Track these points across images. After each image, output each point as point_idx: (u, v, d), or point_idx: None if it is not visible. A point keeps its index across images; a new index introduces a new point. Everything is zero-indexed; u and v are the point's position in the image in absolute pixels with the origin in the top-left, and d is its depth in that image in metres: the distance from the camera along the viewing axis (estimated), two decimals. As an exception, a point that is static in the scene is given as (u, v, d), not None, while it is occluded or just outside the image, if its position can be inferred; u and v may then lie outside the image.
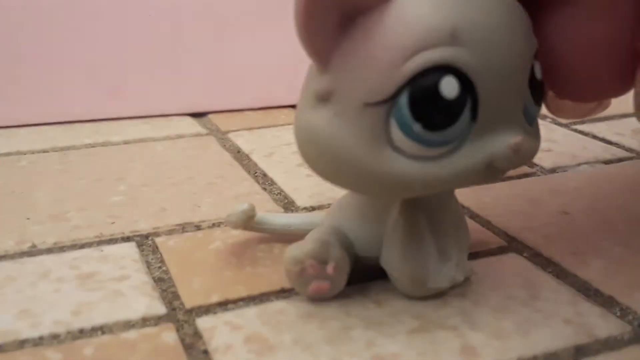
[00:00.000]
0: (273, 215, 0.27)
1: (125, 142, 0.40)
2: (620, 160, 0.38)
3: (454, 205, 0.23)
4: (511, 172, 0.35)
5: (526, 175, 0.35)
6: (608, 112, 0.47)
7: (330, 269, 0.22)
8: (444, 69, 0.18)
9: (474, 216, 0.30)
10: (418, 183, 0.19)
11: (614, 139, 0.41)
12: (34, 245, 0.27)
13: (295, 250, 0.22)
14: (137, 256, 0.26)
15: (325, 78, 0.19)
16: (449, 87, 0.18)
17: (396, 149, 0.19)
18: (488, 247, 0.27)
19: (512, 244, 0.28)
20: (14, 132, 0.42)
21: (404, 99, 0.18)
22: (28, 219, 0.30)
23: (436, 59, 0.18)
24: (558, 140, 0.41)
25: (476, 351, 0.21)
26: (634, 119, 0.45)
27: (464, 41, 0.18)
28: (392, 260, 0.22)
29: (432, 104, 0.18)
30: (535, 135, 0.21)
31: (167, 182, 0.34)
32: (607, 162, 0.37)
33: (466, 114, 0.18)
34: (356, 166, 0.19)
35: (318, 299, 0.23)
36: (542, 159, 0.38)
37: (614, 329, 0.22)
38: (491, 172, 0.20)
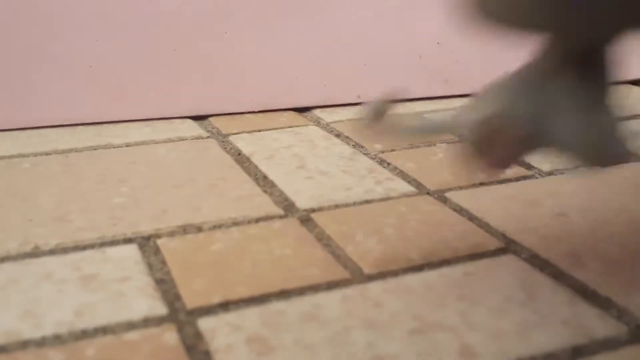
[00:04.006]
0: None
1: (127, 145, 0.40)
2: (618, 162, 0.38)
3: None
4: (509, 175, 0.36)
5: (524, 177, 0.35)
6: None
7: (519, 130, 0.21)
8: None
9: (472, 218, 0.30)
10: None
11: (612, 141, 0.41)
12: (36, 247, 0.27)
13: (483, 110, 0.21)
14: (139, 257, 0.27)
15: None
16: None
17: None
18: (486, 249, 0.27)
19: (510, 246, 0.28)
20: (17, 135, 0.42)
21: None
22: (31, 220, 0.30)
23: None
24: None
25: (475, 351, 0.21)
26: (630, 123, 0.45)
27: None
28: (568, 131, 0.21)
29: None
30: None
31: (169, 184, 0.34)
32: (605, 164, 0.37)
33: None
34: None
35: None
36: (540, 161, 0.38)
37: (611, 329, 0.22)
38: None
